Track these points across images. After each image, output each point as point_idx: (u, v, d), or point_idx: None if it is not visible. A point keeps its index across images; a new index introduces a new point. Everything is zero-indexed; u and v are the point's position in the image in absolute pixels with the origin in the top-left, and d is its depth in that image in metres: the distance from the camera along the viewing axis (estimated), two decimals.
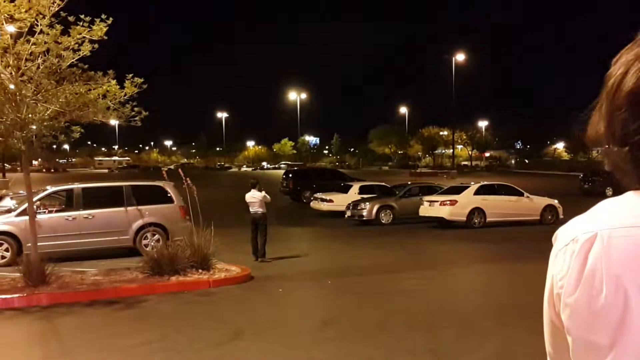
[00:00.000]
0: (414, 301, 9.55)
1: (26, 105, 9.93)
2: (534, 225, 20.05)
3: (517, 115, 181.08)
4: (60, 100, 10.23)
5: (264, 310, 9.18)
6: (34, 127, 10.39)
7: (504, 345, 7.06)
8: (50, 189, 14.79)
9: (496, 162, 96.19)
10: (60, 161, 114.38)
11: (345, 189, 26.01)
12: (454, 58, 68.47)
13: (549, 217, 20.80)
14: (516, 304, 8.88)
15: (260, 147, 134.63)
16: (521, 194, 21.25)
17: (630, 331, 0.82)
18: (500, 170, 79.66)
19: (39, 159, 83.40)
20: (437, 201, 20.78)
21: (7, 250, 13.40)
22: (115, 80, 10.63)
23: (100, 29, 10.04)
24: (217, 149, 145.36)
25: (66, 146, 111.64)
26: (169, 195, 14.79)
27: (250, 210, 13.79)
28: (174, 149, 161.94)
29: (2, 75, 9.83)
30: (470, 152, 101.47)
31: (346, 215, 22.74)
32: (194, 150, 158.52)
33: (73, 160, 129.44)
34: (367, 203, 22.43)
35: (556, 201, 21.40)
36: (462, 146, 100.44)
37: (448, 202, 20.41)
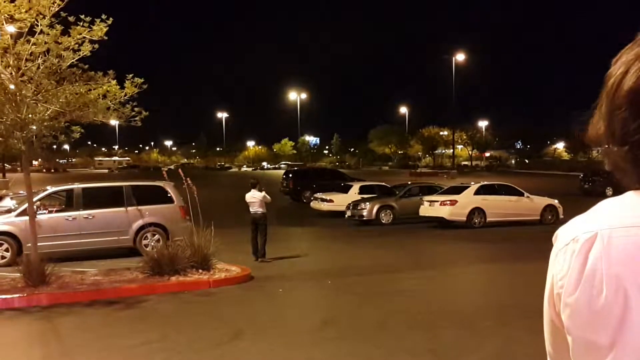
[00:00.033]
0: (414, 301, 9.55)
1: (26, 106, 9.93)
2: (534, 225, 20.05)
3: (517, 115, 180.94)
4: (61, 100, 10.23)
5: (264, 310, 9.18)
6: (34, 127, 10.39)
7: (504, 345, 7.06)
8: (51, 189, 14.79)
9: (496, 162, 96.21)
10: (61, 161, 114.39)
11: (345, 189, 26.01)
12: (454, 58, 68.50)
13: (549, 217, 20.80)
14: (516, 304, 8.88)
15: (260, 147, 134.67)
16: (521, 194, 21.25)
17: (631, 331, 0.82)
18: (500, 170, 79.68)
19: (39, 159, 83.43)
20: (437, 201, 20.78)
21: (7, 250, 13.40)
22: (115, 81, 10.63)
23: (100, 29, 10.04)
24: (217, 149, 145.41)
25: (66, 146, 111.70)
26: (169, 195, 14.79)
27: (250, 210, 13.79)
28: (174, 149, 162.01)
29: (2, 75, 9.83)
30: (470, 152, 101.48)
31: (346, 215, 22.74)
32: (194, 151, 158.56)
33: (73, 160, 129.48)
34: (367, 203, 22.43)
35: (556, 201, 21.41)
36: (462, 146, 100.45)
37: (448, 202, 20.40)
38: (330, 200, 25.34)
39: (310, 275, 12.00)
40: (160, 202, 14.68)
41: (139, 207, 14.23)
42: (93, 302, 9.59)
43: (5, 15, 9.60)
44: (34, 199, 12.33)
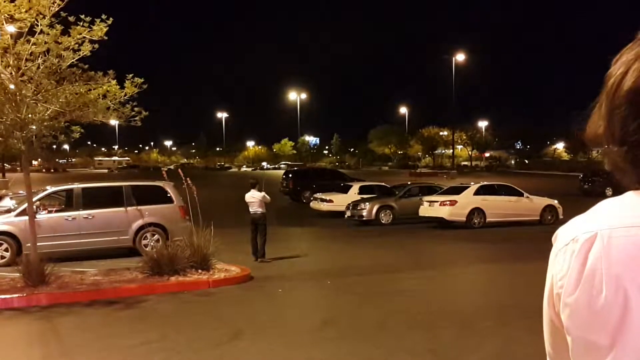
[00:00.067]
0: (414, 301, 9.55)
1: (26, 105, 9.93)
2: (533, 226, 20.06)
3: (517, 115, 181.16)
4: (60, 100, 10.23)
5: (263, 311, 9.18)
6: (34, 127, 10.39)
7: (504, 345, 7.06)
8: (50, 189, 14.79)
9: (496, 163, 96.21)
10: (60, 161, 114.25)
11: (345, 189, 26.02)
12: (454, 58, 68.55)
13: (549, 217, 20.81)
14: (516, 304, 8.88)
15: (260, 147, 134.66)
16: (521, 194, 21.26)
17: (630, 331, 0.82)
18: (500, 171, 79.70)
19: (39, 159, 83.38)
20: (437, 201, 20.79)
21: (6, 250, 13.40)
22: (115, 81, 10.63)
23: (100, 29, 10.04)
24: (217, 149, 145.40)
25: (66, 146, 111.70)
26: (168, 195, 14.79)
27: (250, 210, 13.79)
28: (174, 149, 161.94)
29: (2, 75, 9.83)
30: (470, 152, 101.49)
31: (346, 216, 22.74)
32: (193, 151, 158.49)
33: (73, 160, 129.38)
34: (367, 203, 22.43)
35: (556, 201, 21.42)
36: (462, 146, 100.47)
37: (448, 203, 20.41)
38: (330, 201, 25.34)
39: (310, 275, 12.00)
40: (160, 202, 14.68)
41: (139, 207, 14.23)
42: (93, 302, 9.59)
43: (5, 15, 9.60)
44: (34, 199, 12.33)
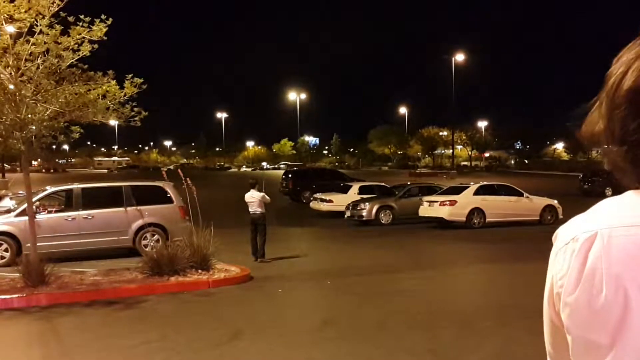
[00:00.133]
0: (414, 301, 9.55)
1: (26, 106, 9.93)
2: (533, 226, 20.07)
3: (516, 115, 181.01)
4: (60, 100, 10.23)
5: (263, 311, 9.18)
6: (34, 127, 10.39)
7: (503, 345, 7.06)
8: (50, 189, 14.79)
9: (496, 163, 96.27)
10: (60, 161, 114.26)
11: (344, 189, 26.02)
12: (453, 58, 68.59)
13: (549, 217, 20.82)
14: (516, 304, 8.89)
15: (259, 147, 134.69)
16: (521, 194, 21.27)
17: (630, 330, 0.82)
18: (499, 171, 79.74)
19: (39, 159, 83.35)
20: (436, 201, 20.79)
21: (6, 250, 13.40)
22: (115, 81, 10.63)
23: (100, 29, 10.04)
24: (217, 149, 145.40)
25: (66, 146, 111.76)
26: (168, 195, 14.79)
27: (250, 210, 13.79)
28: (174, 149, 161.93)
29: (1, 75, 9.83)
30: (469, 153, 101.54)
31: (346, 216, 22.75)
32: (193, 151, 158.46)
33: (72, 160, 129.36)
34: (367, 203, 22.44)
35: (556, 201, 21.43)
36: (461, 146, 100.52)
37: (447, 203, 20.42)
38: (330, 201, 25.34)
39: (309, 276, 12.00)
40: (160, 202, 14.68)
41: (139, 207, 14.22)
42: (92, 302, 9.59)
43: (5, 15, 9.60)
44: (34, 199, 12.33)
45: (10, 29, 9.77)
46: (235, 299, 10.04)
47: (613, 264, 0.84)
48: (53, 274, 10.40)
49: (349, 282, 11.26)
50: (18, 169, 59.19)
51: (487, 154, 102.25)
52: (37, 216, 12.85)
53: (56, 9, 9.76)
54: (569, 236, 0.92)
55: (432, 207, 20.84)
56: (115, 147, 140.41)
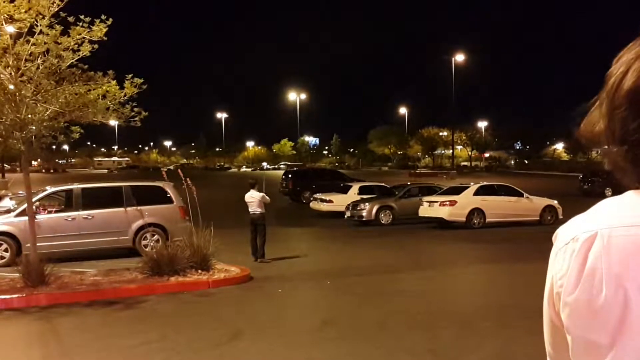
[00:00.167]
0: (414, 301, 9.55)
1: (26, 106, 9.93)
2: (533, 226, 20.07)
3: (516, 115, 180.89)
4: (60, 100, 10.23)
5: (263, 311, 9.18)
6: (34, 127, 10.38)
7: (503, 345, 7.06)
8: (50, 189, 14.79)
9: (496, 163, 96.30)
10: (60, 162, 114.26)
11: (344, 190, 26.03)
12: (453, 58, 68.63)
13: (549, 217, 20.82)
14: (516, 304, 8.89)
15: (259, 147, 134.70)
16: (520, 195, 21.27)
17: (630, 330, 0.82)
18: (499, 171, 79.75)
19: (39, 160, 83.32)
20: (436, 202, 20.80)
21: (6, 250, 13.40)
22: (115, 81, 10.63)
23: (100, 30, 10.04)
24: (217, 149, 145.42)
25: (65, 147, 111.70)
26: (168, 195, 14.79)
27: (249, 210, 13.79)
28: (174, 149, 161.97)
29: (1, 75, 9.83)
30: (469, 153, 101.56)
31: (346, 216, 22.75)
32: (193, 151, 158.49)
33: (72, 160, 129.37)
34: (367, 203, 22.44)
35: (555, 202, 21.43)
36: (461, 147, 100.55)
37: (447, 203, 20.42)
38: (330, 201, 25.35)
39: (309, 276, 11.99)
40: (160, 203, 14.68)
41: (139, 208, 14.22)
42: (92, 303, 9.59)
43: (5, 15, 9.60)
44: (33, 199, 12.32)
45: (10, 29, 9.77)
46: (235, 299, 10.04)
47: (613, 264, 0.84)
48: (53, 274, 10.40)
49: (349, 282, 11.26)
50: (18, 169, 59.19)
51: (487, 154, 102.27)
52: (37, 216, 12.84)
53: (56, 9, 9.75)
54: (569, 236, 0.92)
55: (432, 208, 20.84)
56: (115, 148, 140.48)
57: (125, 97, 10.68)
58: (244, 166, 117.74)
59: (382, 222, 22.04)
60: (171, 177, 14.74)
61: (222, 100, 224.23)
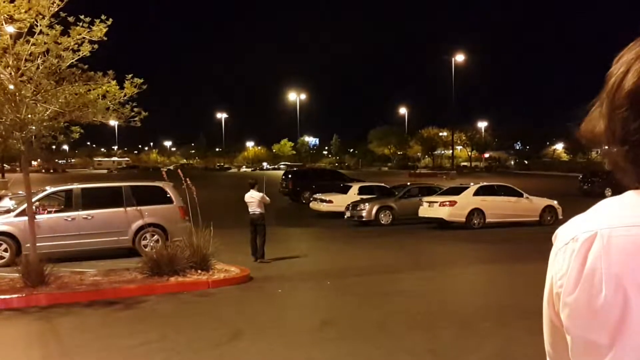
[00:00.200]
0: (414, 302, 9.55)
1: (26, 106, 9.93)
2: (533, 226, 20.07)
3: (516, 116, 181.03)
4: (60, 100, 10.23)
5: (263, 311, 9.18)
6: (34, 127, 10.38)
7: (503, 345, 7.06)
8: (50, 189, 14.79)
9: (495, 163, 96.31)
10: (60, 162, 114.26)
11: (344, 190, 26.02)
12: (453, 58, 68.65)
13: (548, 217, 20.83)
14: (516, 304, 8.89)
15: (259, 147, 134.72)
16: (520, 195, 21.28)
17: (630, 330, 0.82)
18: (499, 171, 79.75)
19: (38, 160, 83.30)
20: (436, 202, 20.80)
21: (6, 250, 13.39)
22: (115, 81, 10.63)
23: (100, 30, 10.04)
24: (217, 149, 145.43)
25: (65, 147, 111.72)
26: (168, 195, 14.79)
27: (249, 210, 13.79)
28: (174, 149, 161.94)
29: (1, 75, 9.83)
30: (469, 153, 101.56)
31: (345, 216, 22.75)
32: (193, 151, 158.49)
33: (72, 160, 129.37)
34: (367, 204, 22.44)
35: (555, 202, 21.43)
36: (461, 147, 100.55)
37: (447, 203, 20.42)
38: (330, 201, 25.35)
39: (309, 276, 11.99)
40: (160, 203, 14.68)
41: (138, 208, 14.22)
42: (92, 303, 9.58)
43: (5, 15, 9.60)
44: (33, 200, 12.32)
45: (10, 29, 9.77)
46: (235, 299, 10.04)
47: (613, 264, 0.84)
48: (53, 274, 10.39)
49: (349, 283, 11.26)
50: (18, 169, 59.17)
51: (486, 155, 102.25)
52: (37, 216, 12.84)
53: (56, 9, 9.75)
54: (568, 236, 0.92)
55: (431, 208, 20.84)
56: (115, 148, 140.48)
57: (125, 97, 10.68)
58: (244, 166, 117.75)
59: (382, 222, 22.04)
60: (171, 177, 14.74)
61: (222, 100, 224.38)
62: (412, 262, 13.87)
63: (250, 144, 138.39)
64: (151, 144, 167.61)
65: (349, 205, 22.99)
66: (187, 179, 12.66)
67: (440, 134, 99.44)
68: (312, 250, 16.01)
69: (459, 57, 69.49)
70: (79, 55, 10.13)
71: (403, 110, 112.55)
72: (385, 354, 6.82)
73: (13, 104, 9.89)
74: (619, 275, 0.84)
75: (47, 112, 10.16)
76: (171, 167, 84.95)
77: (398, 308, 9.11)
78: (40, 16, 9.67)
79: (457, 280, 11.94)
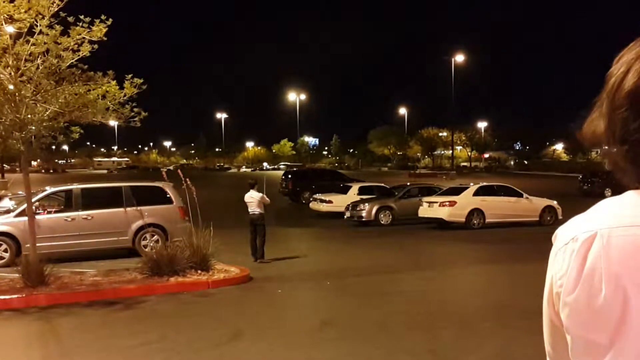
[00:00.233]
0: (414, 302, 9.55)
1: (25, 106, 9.92)
2: (533, 226, 20.07)
3: (516, 116, 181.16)
4: (60, 100, 10.22)
5: (263, 311, 9.18)
6: (33, 127, 10.38)
7: (503, 345, 7.06)
8: (49, 189, 14.79)
9: (495, 163, 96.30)
10: (59, 162, 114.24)
11: (344, 190, 26.02)
12: (453, 58, 68.65)
13: (548, 218, 20.83)
14: (516, 304, 8.89)
15: (259, 147, 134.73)
16: (520, 195, 21.28)
17: (630, 330, 0.82)
18: (499, 171, 79.75)
19: (38, 160, 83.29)
20: (436, 202, 20.80)
21: (5, 250, 13.39)
22: (114, 81, 10.62)
23: (99, 30, 10.04)
24: (217, 149, 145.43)
25: (65, 147, 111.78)
26: (168, 196, 14.79)
27: (249, 210, 13.79)
28: (173, 149, 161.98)
29: (1, 75, 9.83)
30: (469, 153, 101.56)
31: (345, 216, 22.75)
32: (193, 151, 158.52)
33: (72, 161, 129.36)
34: (367, 204, 22.44)
35: (555, 202, 21.44)
36: (461, 147, 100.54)
37: (447, 203, 20.42)
38: (330, 201, 25.34)
39: (309, 276, 11.99)
40: (160, 203, 14.67)
41: (138, 208, 14.22)
42: (92, 303, 9.58)
43: (5, 15, 9.59)
44: (33, 200, 12.32)
45: (10, 29, 9.76)
46: (234, 299, 10.03)
47: (612, 264, 0.85)
48: (52, 274, 10.39)
49: (349, 283, 11.26)
50: (17, 169, 59.17)
51: (486, 155, 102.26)
52: (37, 216, 12.84)
53: (56, 9, 9.75)
54: (568, 236, 0.92)
55: (431, 208, 20.84)
56: (115, 148, 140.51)
57: (125, 97, 10.68)
58: (244, 166, 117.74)
59: (382, 222, 22.04)
60: (171, 177, 14.73)
61: (222, 100, 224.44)
62: (412, 262, 13.87)
63: (250, 144, 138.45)
64: (151, 144, 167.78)
65: (348, 205, 22.99)
66: (187, 179, 12.66)
67: (440, 134, 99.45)
68: (312, 250, 16.01)
69: (459, 57, 69.51)
70: (78, 56, 10.12)
71: (403, 111, 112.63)
72: (385, 354, 6.82)
73: (13, 104, 9.88)
74: (618, 275, 0.84)
75: (47, 112, 10.16)
76: (171, 168, 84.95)
77: (398, 308, 9.11)
78: (40, 16, 9.67)
79: (457, 280, 11.94)
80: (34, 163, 77.33)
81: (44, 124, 10.34)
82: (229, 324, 8.20)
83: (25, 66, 9.87)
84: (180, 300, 9.84)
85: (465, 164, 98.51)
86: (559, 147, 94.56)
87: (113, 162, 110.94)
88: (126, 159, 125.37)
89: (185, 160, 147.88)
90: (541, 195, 22.68)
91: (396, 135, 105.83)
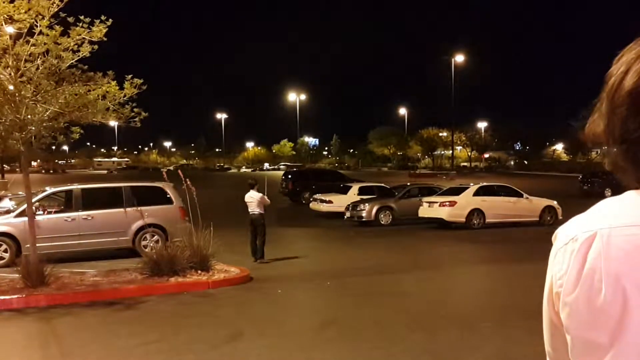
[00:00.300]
0: (414, 302, 9.55)
1: (25, 106, 9.93)
2: (533, 226, 20.07)
3: (516, 116, 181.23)
4: (60, 101, 10.23)
5: (263, 311, 9.18)
6: (33, 128, 10.37)
7: (503, 345, 7.06)
8: (50, 189, 14.78)
9: (495, 163, 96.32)
10: (60, 162, 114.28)
11: (344, 190, 26.01)
12: (453, 59, 68.68)
13: (548, 218, 20.83)
14: (515, 304, 8.89)
15: (259, 148, 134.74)
16: (520, 195, 21.28)
17: (629, 330, 0.82)
18: (499, 172, 79.73)
19: (38, 160, 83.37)
20: (436, 202, 20.80)
21: (5, 251, 13.39)
22: (114, 81, 10.62)
23: (99, 30, 10.04)
24: (217, 150, 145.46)
25: (65, 147, 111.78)
26: (168, 196, 14.79)
27: (249, 210, 13.79)
28: (174, 150, 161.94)
29: (1, 76, 9.83)
30: (469, 153, 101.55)
31: (345, 216, 22.74)
32: (193, 152, 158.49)
33: (72, 161, 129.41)
34: (367, 204, 22.43)
35: (555, 202, 21.44)
36: (461, 147, 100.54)
37: (447, 203, 20.42)
38: (330, 201, 25.34)
39: (309, 276, 11.99)
40: (160, 203, 14.67)
41: (138, 208, 14.21)
42: (92, 303, 9.58)
43: (5, 15, 9.59)
44: (33, 200, 12.31)
45: (10, 29, 9.76)
46: (234, 299, 10.03)
47: (612, 264, 0.85)
48: (52, 274, 10.39)
49: (349, 283, 11.26)
50: (18, 169, 59.14)
51: (486, 155, 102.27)
52: (37, 217, 12.84)
53: (56, 10, 9.75)
54: (568, 236, 0.92)
55: (431, 208, 20.84)
56: (115, 148, 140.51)
57: (125, 98, 10.68)
58: (244, 167, 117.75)
59: (382, 222, 22.03)
60: (171, 177, 14.74)
61: (222, 100, 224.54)
62: (412, 262, 13.87)
63: (250, 145, 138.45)
64: (151, 144, 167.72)
65: (348, 205, 22.98)
66: (187, 180, 12.66)
67: (440, 134, 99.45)
68: (312, 250, 16.01)
69: (459, 57, 69.57)
70: (78, 56, 10.12)
71: (403, 111, 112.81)
72: (385, 354, 6.82)
73: (13, 105, 9.89)
74: (618, 275, 0.84)
75: (47, 113, 10.16)
76: (171, 168, 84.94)
77: (398, 308, 9.11)
78: (40, 17, 9.67)
79: (457, 280, 11.94)
80: (34, 163, 77.38)
81: (44, 125, 10.34)
82: (229, 324, 8.20)
83: (25, 67, 9.87)
84: (180, 301, 9.84)
85: (465, 164, 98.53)
86: (559, 147, 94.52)
87: (113, 162, 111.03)
88: (126, 159, 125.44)
89: (185, 161, 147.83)
90: (541, 195, 22.68)
91: (396, 135, 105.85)
